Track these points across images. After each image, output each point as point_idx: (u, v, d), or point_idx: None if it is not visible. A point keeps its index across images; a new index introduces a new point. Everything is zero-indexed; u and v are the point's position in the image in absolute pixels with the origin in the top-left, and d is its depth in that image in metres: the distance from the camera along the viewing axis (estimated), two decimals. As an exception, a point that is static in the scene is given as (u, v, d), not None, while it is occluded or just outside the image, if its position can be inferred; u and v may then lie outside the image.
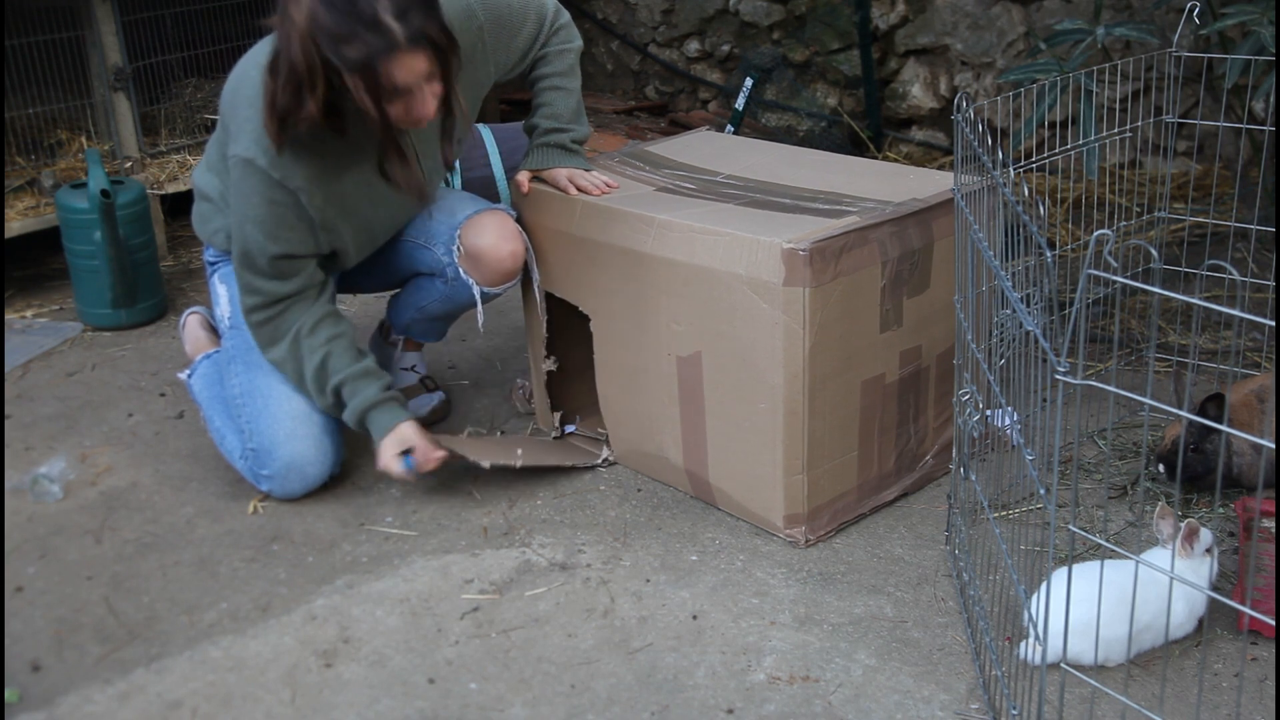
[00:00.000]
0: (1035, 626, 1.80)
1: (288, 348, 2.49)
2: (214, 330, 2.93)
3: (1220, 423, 1.93)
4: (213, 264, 2.76)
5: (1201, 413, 2.31)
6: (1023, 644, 1.96)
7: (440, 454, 2.50)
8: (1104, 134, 2.72)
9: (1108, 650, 1.95)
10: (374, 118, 2.23)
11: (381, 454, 2.49)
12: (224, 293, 2.69)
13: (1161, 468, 2.44)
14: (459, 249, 2.62)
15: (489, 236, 2.60)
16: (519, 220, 2.70)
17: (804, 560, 2.35)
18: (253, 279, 2.44)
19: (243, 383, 2.57)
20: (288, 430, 2.52)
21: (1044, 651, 1.73)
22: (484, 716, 1.96)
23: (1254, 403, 2.45)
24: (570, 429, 2.85)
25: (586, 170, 2.64)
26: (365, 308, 3.54)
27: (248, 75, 2.37)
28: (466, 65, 2.48)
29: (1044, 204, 3.73)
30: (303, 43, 2.15)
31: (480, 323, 2.68)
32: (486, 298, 2.67)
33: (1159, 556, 2.00)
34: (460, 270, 2.64)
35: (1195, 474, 2.42)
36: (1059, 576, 1.87)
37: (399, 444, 2.48)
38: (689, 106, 5.39)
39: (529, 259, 2.67)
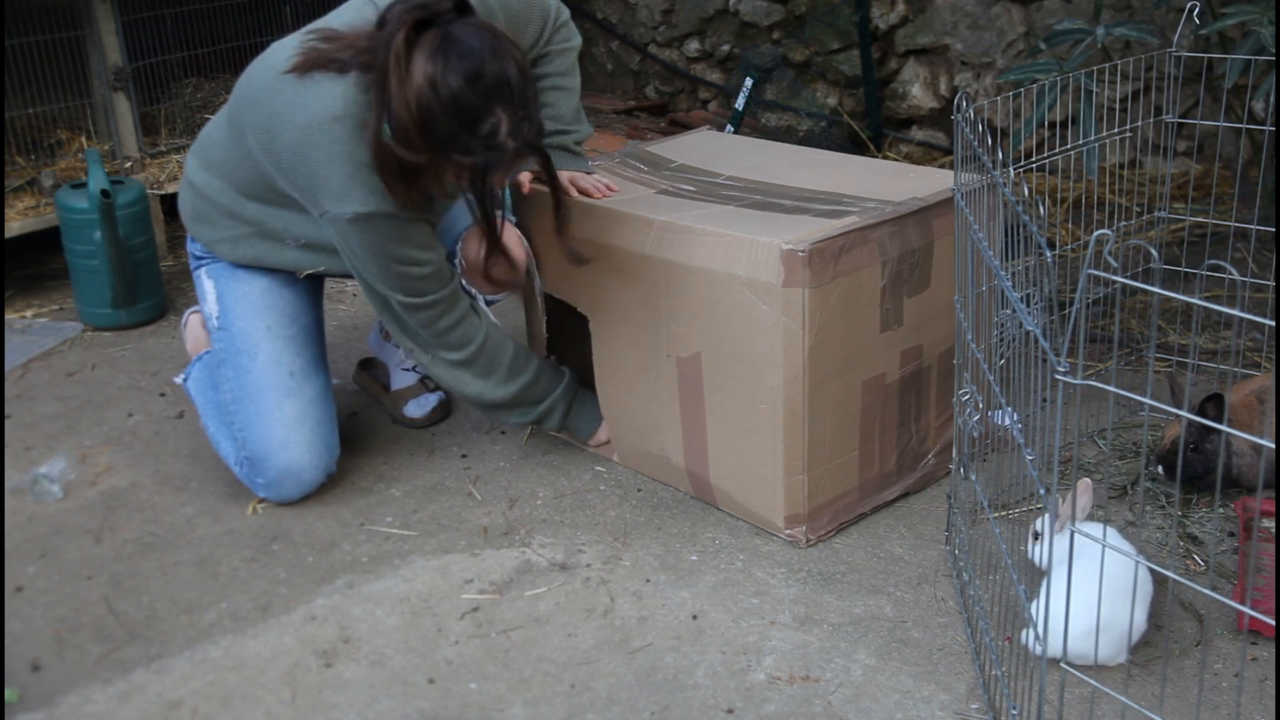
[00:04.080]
0: (1035, 626, 1.80)
1: (478, 346, 2.52)
2: (214, 330, 2.92)
3: (1220, 423, 1.93)
4: (199, 259, 2.68)
5: (1201, 413, 2.31)
6: (1024, 631, 1.96)
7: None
8: (1104, 134, 2.72)
9: (1091, 643, 1.95)
10: (473, 205, 2.33)
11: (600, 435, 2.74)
12: (211, 289, 2.64)
13: (1161, 468, 2.44)
14: (460, 262, 2.61)
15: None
16: (520, 222, 2.69)
17: (804, 560, 2.35)
18: (433, 291, 2.44)
19: (233, 388, 2.56)
20: (280, 438, 2.51)
21: (1044, 649, 1.73)
22: (484, 716, 1.96)
23: (1254, 403, 2.45)
24: None
25: (588, 173, 2.64)
26: (365, 308, 3.54)
27: (316, 133, 2.25)
28: None
29: (1044, 204, 3.73)
30: (409, 138, 2.16)
31: None
32: (488, 304, 2.67)
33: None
34: (461, 280, 2.63)
35: (1195, 474, 2.42)
36: (1059, 573, 1.87)
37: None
38: (689, 106, 5.39)
39: (530, 266, 2.67)
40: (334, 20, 2.38)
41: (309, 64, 2.25)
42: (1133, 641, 1.99)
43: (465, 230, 2.62)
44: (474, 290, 2.63)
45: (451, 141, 2.15)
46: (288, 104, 2.27)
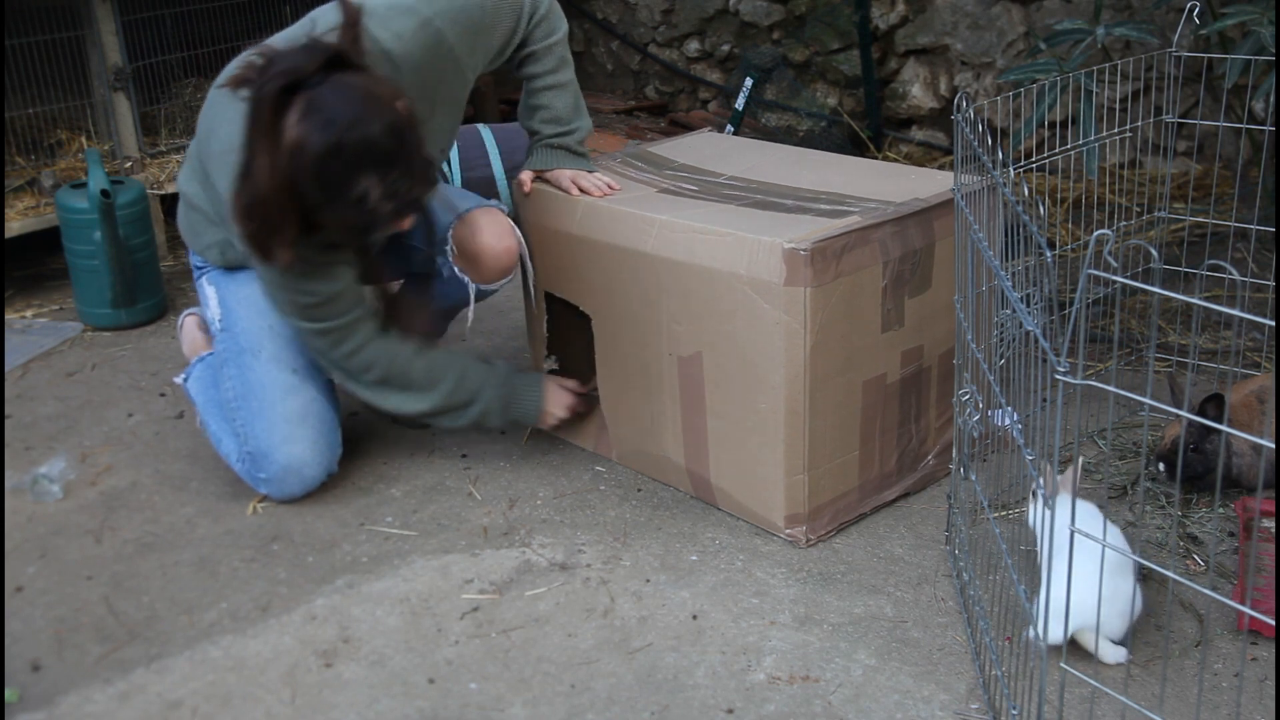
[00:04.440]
0: (1036, 625, 1.80)
1: (383, 372, 2.49)
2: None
3: (1220, 423, 1.93)
4: (200, 268, 2.72)
5: (1201, 413, 2.31)
6: (1026, 629, 1.96)
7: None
8: (1104, 134, 2.72)
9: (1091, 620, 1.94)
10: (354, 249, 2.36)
11: (556, 408, 2.67)
12: (213, 294, 2.66)
13: (1161, 467, 2.44)
14: (452, 248, 2.61)
15: (482, 235, 2.60)
16: (517, 218, 2.70)
17: (804, 560, 2.35)
18: (327, 319, 2.42)
19: (236, 385, 2.56)
20: (284, 433, 2.51)
21: (1043, 642, 1.73)
22: (484, 716, 1.96)
23: (1254, 403, 2.45)
24: None
25: (590, 172, 2.63)
26: (365, 308, 3.54)
27: (231, 154, 2.25)
28: (442, 86, 2.46)
29: (1044, 204, 3.73)
30: (278, 196, 2.12)
31: (469, 321, 2.69)
32: (481, 295, 2.67)
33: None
34: (454, 269, 2.63)
35: (1195, 474, 2.42)
36: (1058, 560, 1.87)
37: (559, 395, 2.67)
38: (689, 106, 5.39)
39: (522, 254, 2.66)
40: (278, 38, 2.37)
41: (239, 81, 2.22)
42: (1133, 617, 1.98)
43: (457, 217, 2.61)
44: (466, 279, 2.63)
45: (322, 208, 2.14)
46: (217, 120, 2.34)
